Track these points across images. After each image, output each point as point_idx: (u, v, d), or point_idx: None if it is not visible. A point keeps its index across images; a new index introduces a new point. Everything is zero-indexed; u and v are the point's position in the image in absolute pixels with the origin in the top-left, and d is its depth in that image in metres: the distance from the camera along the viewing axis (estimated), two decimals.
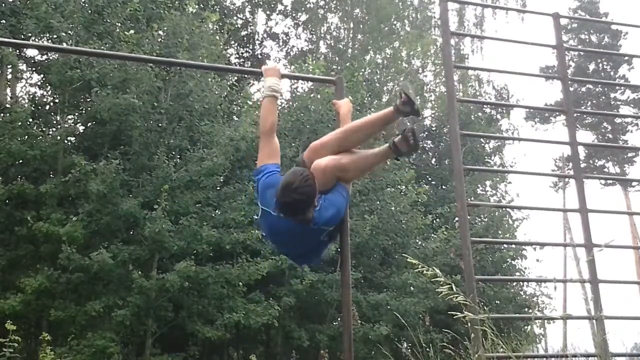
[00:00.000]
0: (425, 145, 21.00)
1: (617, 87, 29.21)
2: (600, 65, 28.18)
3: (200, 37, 13.72)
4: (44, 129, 13.23)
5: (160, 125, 13.10)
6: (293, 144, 13.99)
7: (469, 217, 4.32)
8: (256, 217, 3.04)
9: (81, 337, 10.59)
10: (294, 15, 23.85)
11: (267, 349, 14.27)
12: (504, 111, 23.71)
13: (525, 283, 17.96)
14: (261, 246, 12.62)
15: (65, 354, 10.14)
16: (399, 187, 15.13)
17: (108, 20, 13.20)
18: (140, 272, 10.96)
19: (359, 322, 12.46)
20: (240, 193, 12.57)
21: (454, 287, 3.16)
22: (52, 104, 13.99)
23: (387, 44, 22.34)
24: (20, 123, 12.01)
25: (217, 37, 15.04)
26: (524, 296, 17.55)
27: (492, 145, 21.77)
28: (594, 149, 27.76)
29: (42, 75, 14.34)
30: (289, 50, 23.55)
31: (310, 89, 16.69)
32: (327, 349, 13.27)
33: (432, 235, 15.19)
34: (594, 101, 28.00)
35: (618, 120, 27.48)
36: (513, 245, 18.24)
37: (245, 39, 22.48)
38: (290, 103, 16.48)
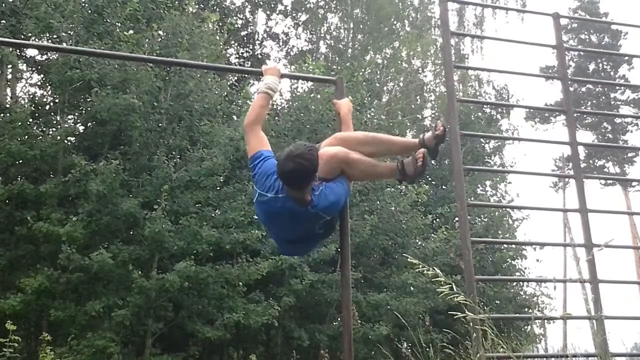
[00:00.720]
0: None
1: (617, 87, 29.22)
2: (600, 65, 28.19)
3: (200, 37, 13.71)
4: (44, 129, 13.23)
5: (160, 125, 13.09)
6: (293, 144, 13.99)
7: (469, 217, 4.32)
8: (254, 200, 3.06)
9: (81, 337, 10.58)
10: (294, 15, 23.86)
11: (267, 349, 14.27)
12: (504, 111, 23.72)
13: (525, 283, 17.97)
14: (261, 246, 12.62)
15: (65, 354, 10.13)
16: (399, 187, 15.13)
17: (108, 20, 13.19)
18: (140, 272, 10.95)
19: (359, 322, 12.46)
20: (240, 193, 12.56)
21: (454, 287, 3.16)
22: (52, 104, 13.98)
23: (387, 44, 22.35)
24: (20, 123, 12.00)
25: (217, 37, 15.03)
26: (524, 296, 17.55)
27: (492, 145, 21.77)
28: (594, 149, 27.77)
29: (42, 75, 14.34)
30: (289, 50, 23.56)
31: (310, 89, 16.70)
32: (327, 349, 13.26)
33: (432, 235, 15.19)
34: (594, 101, 28.01)
35: (618, 120, 27.49)
36: (513, 245, 18.25)
37: (245, 39, 22.48)
38: (290, 103, 16.49)
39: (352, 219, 12.63)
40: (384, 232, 14.49)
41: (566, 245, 11.07)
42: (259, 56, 22.28)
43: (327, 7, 24.11)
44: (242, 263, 11.98)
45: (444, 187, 19.18)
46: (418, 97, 22.74)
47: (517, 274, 17.84)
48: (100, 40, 12.25)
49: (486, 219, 17.72)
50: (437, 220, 16.88)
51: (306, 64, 15.08)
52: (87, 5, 13.18)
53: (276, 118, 15.13)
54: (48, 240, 11.11)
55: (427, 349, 5.15)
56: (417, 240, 15.53)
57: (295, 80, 17.29)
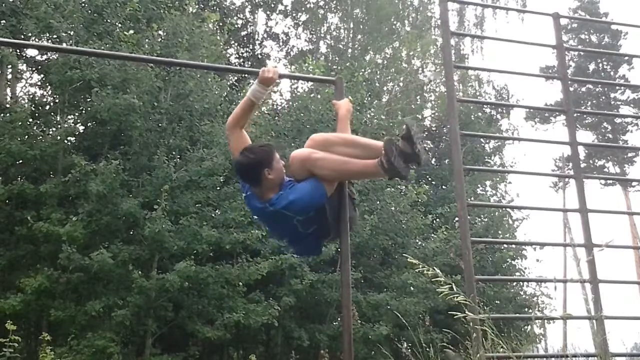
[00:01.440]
0: (425, 145, 20.96)
1: (617, 87, 29.22)
2: (600, 65, 28.19)
3: (200, 37, 13.71)
4: (44, 129, 13.23)
5: (160, 125, 13.09)
6: (293, 144, 13.99)
7: (469, 217, 4.32)
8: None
9: (81, 337, 10.58)
10: (294, 15, 23.87)
11: (267, 349, 14.27)
12: (504, 111, 23.72)
13: (525, 283, 17.97)
14: (261, 246, 12.63)
15: (65, 354, 10.13)
16: (398, 187, 15.13)
17: (108, 20, 13.20)
18: (140, 272, 10.95)
19: (359, 322, 12.46)
20: (240, 193, 12.54)
21: (454, 287, 3.16)
22: (52, 104, 13.98)
23: (387, 44, 22.35)
24: (20, 123, 12.01)
25: (217, 37, 15.03)
26: (524, 296, 17.55)
27: (492, 145, 21.77)
28: (594, 149, 27.76)
29: (42, 75, 14.34)
30: (289, 50, 23.56)
31: (310, 89, 16.69)
32: (327, 349, 13.26)
33: (432, 235, 15.18)
34: (594, 101, 28.01)
35: (618, 120, 27.48)
36: (513, 245, 18.25)
37: (245, 39, 22.49)
38: (290, 103, 16.48)
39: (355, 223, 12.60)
40: (384, 232, 14.49)
41: (566, 245, 11.06)
42: (259, 56, 22.29)
43: (327, 7, 24.11)
44: (242, 263, 11.98)
45: (444, 187, 19.19)
46: (418, 97, 22.75)
47: (517, 274, 17.83)
48: (100, 40, 12.25)
49: (486, 219, 17.72)
50: (437, 220, 16.88)
51: (306, 64, 15.07)
52: (87, 5, 13.19)
53: (276, 118, 15.13)
54: (48, 240, 11.11)
55: (427, 349, 5.15)
56: (417, 240, 15.53)
57: (295, 80, 17.28)
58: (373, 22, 22.39)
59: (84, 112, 13.50)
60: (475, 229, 16.20)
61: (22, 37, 12.36)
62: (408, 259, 3.73)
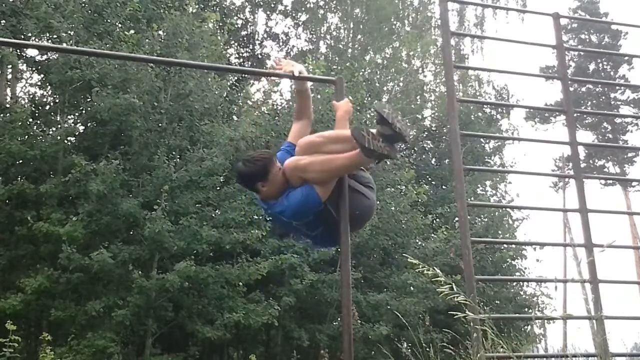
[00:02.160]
0: (425, 145, 21.01)
1: (617, 87, 29.24)
2: (600, 65, 28.20)
3: (201, 37, 13.70)
4: (44, 129, 13.23)
5: (160, 125, 13.09)
6: None
7: (469, 217, 4.32)
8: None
9: (81, 337, 10.58)
10: (294, 15, 23.85)
11: (267, 349, 14.27)
12: (504, 111, 23.72)
13: (525, 283, 17.97)
14: (261, 246, 12.63)
15: (65, 354, 10.13)
16: (399, 187, 15.13)
17: (108, 20, 13.19)
18: (140, 272, 10.95)
19: (359, 322, 12.46)
20: (240, 193, 12.56)
21: (454, 287, 3.16)
22: (52, 104, 13.98)
23: (387, 44, 22.34)
24: (20, 123, 12.00)
25: (217, 37, 15.02)
26: (524, 296, 17.57)
27: (492, 145, 21.78)
28: (594, 149, 27.77)
29: (42, 75, 14.34)
30: (289, 50, 23.54)
31: (310, 89, 16.65)
32: (327, 349, 13.26)
33: (432, 235, 15.19)
34: (594, 101, 28.02)
35: (618, 120, 27.50)
36: (513, 245, 18.25)
37: (245, 39, 22.48)
38: (290, 103, 16.47)
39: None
40: (384, 232, 14.48)
41: (566, 245, 11.06)
42: (259, 56, 22.28)
43: (327, 7, 24.09)
44: (242, 263, 11.98)
45: (444, 187, 19.19)
46: (418, 97, 22.74)
47: (517, 274, 17.84)
48: (101, 40, 12.25)
49: (486, 219, 17.73)
50: (437, 220, 16.88)
51: (306, 64, 15.07)
52: (87, 5, 13.18)
53: (276, 118, 15.12)
54: (48, 240, 11.11)
55: (427, 349, 5.15)
56: (417, 240, 15.54)
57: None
58: (373, 22, 22.37)
59: (84, 112, 13.50)
60: (475, 229, 16.21)
61: (22, 37, 12.35)
62: (408, 259, 3.73)
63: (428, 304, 13.49)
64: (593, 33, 28.24)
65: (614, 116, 28.60)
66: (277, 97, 16.72)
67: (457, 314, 3.25)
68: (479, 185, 19.58)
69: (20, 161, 12.08)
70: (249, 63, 21.49)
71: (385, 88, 21.72)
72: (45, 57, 13.87)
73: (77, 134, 13.45)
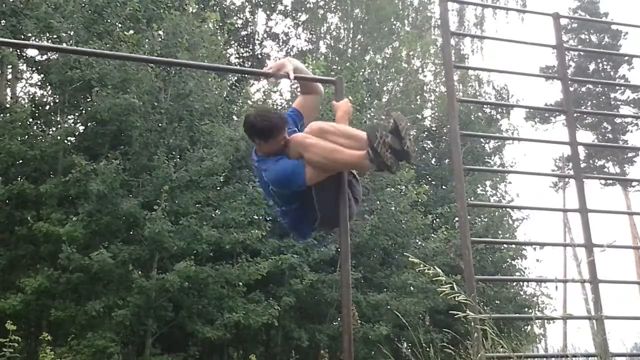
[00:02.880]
0: (425, 145, 21.02)
1: (617, 87, 29.22)
2: (600, 65, 28.19)
3: (200, 37, 13.70)
4: (44, 129, 13.23)
5: (160, 125, 13.09)
6: None
7: (469, 217, 4.32)
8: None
9: (81, 337, 10.59)
10: (294, 15, 23.85)
11: (267, 349, 14.27)
12: (504, 111, 23.71)
13: (525, 283, 17.97)
14: (261, 246, 12.63)
15: (65, 354, 10.13)
16: (399, 187, 15.13)
17: (108, 20, 13.19)
18: (140, 272, 10.96)
19: (359, 322, 12.46)
20: (240, 193, 12.57)
21: (455, 286, 3.16)
22: (52, 104, 13.98)
23: (387, 44, 22.34)
24: (20, 123, 12.00)
25: (217, 37, 15.02)
26: (524, 296, 17.57)
27: (492, 145, 21.77)
28: (594, 149, 27.76)
29: (42, 75, 14.34)
30: (289, 50, 23.52)
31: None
32: (327, 349, 13.27)
33: (432, 235, 15.19)
34: (594, 101, 28.01)
35: (618, 120, 27.48)
36: (513, 245, 18.25)
37: (245, 39, 22.47)
38: (290, 103, 16.45)
39: (352, 219, 12.61)
40: (384, 232, 14.48)
41: (566, 245, 11.07)
42: (259, 56, 22.27)
43: (327, 7, 24.09)
44: (242, 263, 11.98)
45: (444, 187, 19.18)
46: (418, 97, 22.74)
47: (517, 274, 17.85)
48: (100, 40, 12.25)
49: (486, 219, 17.73)
50: (437, 220, 16.88)
51: (306, 64, 15.06)
52: (87, 5, 13.18)
53: None
54: (48, 240, 11.11)
55: (427, 349, 5.15)
56: (417, 240, 15.54)
57: (295, 81, 17.25)
58: (373, 22, 22.37)
59: (84, 112, 13.50)
60: (475, 229, 16.21)
61: (22, 37, 12.35)
62: (409, 258, 3.73)
63: (428, 304, 13.49)
64: (593, 33, 28.23)
65: (614, 116, 28.59)
66: (277, 97, 16.73)
67: (457, 314, 3.25)
68: (479, 185, 19.58)
69: (20, 161, 12.08)
70: (249, 63, 21.48)
71: (385, 88, 21.72)
72: (45, 57, 13.87)
73: (77, 134, 13.45)
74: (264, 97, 15.35)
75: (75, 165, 11.26)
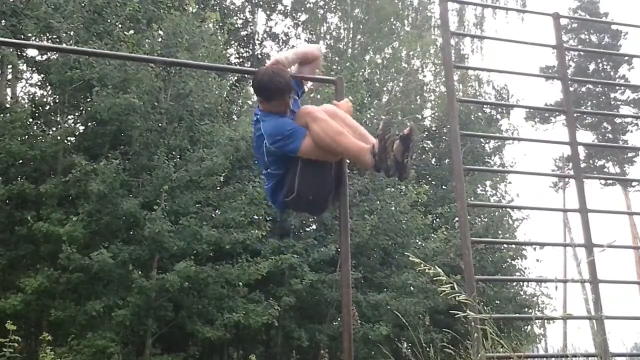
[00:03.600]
0: (425, 145, 21.02)
1: (617, 87, 29.23)
2: (600, 65, 28.19)
3: (201, 37, 13.69)
4: (44, 129, 13.23)
5: (160, 125, 13.09)
6: None
7: (469, 217, 4.32)
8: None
9: (81, 337, 10.59)
10: (294, 15, 23.84)
11: (267, 349, 14.28)
12: (504, 111, 23.71)
13: (525, 283, 17.98)
14: (261, 246, 12.63)
15: (65, 354, 10.13)
16: (398, 187, 15.14)
17: (108, 20, 13.19)
18: (140, 272, 10.96)
19: (359, 322, 12.47)
20: (240, 193, 12.57)
21: (455, 286, 3.16)
22: (52, 104, 13.98)
23: (387, 44, 22.32)
24: (20, 123, 11.99)
25: (217, 37, 15.01)
26: (524, 296, 17.57)
27: (492, 145, 21.77)
28: (594, 149, 27.77)
29: (42, 75, 14.33)
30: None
31: (310, 89, 16.69)
32: (327, 349, 13.27)
33: (432, 235, 15.19)
34: (594, 101, 28.01)
35: (618, 120, 27.50)
36: (513, 245, 18.26)
37: (245, 39, 22.46)
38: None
39: (352, 219, 12.64)
40: (384, 232, 14.49)
41: (566, 245, 11.07)
42: (259, 56, 22.25)
43: (327, 7, 24.08)
44: (242, 263, 11.98)
45: (444, 187, 19.18)
46: (418, 97, 22.74)
47: (517, 274, 17.85)
48: (100, 40, 12.25)
49: (486, 219, 17.73)
50: (437, 220, 16.88)
51: None
52: (87, 5, 13.17)
53: None
54: (48, 240, 11.11)
55: (427, 349, 5.15)
56: (417, 240, 15.54)
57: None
58: (373, 22, 22.36)
59: (84, 112, 13.50)
60: (475, 229, 16.21)
61: (22, 37, 12.35)
62: (410, 258, 3.73)
63: (428, 304, 13.49)
64: (593, 33, 28.23)
65: (614, 116, 28.60)
66: None
67: (457, 314, 3.25)
68: (479, 185, 19.58)
69: (20, 161, 12.08)
70: (249, 63, 21.46)
71: (385, 88, 21.72)
72: (45, 57, 13.87)
73: (77, 134, 13.45)
74: None
75: (75, 165, 11.26)
